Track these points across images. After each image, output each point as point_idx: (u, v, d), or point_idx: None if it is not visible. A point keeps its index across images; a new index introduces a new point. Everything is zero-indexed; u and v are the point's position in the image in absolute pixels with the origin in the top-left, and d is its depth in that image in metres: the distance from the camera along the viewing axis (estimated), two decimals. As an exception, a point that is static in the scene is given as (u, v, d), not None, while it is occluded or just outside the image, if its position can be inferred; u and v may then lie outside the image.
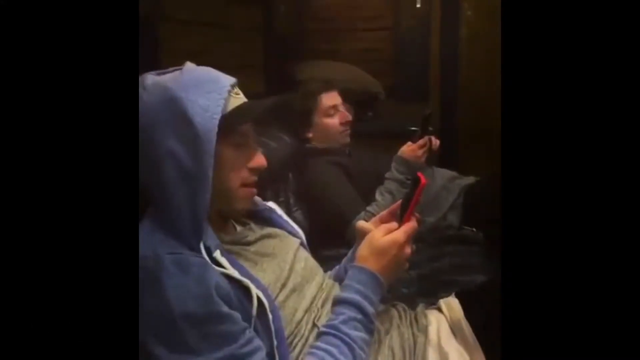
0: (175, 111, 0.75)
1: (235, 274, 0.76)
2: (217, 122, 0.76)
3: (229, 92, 0.80)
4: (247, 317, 0.75)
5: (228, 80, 0.82)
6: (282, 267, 0.87)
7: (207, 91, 0.78)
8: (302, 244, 1.00)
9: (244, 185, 0.85)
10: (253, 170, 0.85)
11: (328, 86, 1.81)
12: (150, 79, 0.81)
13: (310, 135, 1.77)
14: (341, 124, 1.77)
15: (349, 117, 1.78)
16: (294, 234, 1.00)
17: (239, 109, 0.82)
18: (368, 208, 1.56)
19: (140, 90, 0.79)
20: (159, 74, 0.83)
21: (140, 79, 0.81)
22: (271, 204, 1.03)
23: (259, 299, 0.76)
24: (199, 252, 0.76)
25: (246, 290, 0.76)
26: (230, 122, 0.79)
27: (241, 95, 0.85)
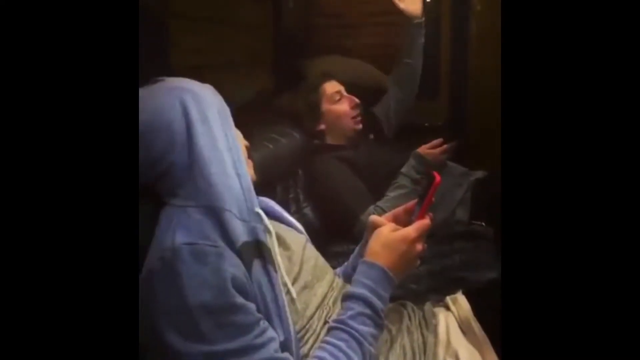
0: None
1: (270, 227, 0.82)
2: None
3: None
4: (262, 308, 0.76)
5: None
6: (293, 261, 0.88)
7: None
8: (307, 241, 1.00)
9: None
10: None
11: (327, 76, 1.82)
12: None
13: (322, 127, 1.76)
14: (351, 108, 1.76)
15: (357, 100, 1.77)
16: (299, 230, 1.01)
17: None
18: (378, 203, 1.56)
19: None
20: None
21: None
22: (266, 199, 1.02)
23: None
24: (254, 214, 0.80)
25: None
26: None
27: None
